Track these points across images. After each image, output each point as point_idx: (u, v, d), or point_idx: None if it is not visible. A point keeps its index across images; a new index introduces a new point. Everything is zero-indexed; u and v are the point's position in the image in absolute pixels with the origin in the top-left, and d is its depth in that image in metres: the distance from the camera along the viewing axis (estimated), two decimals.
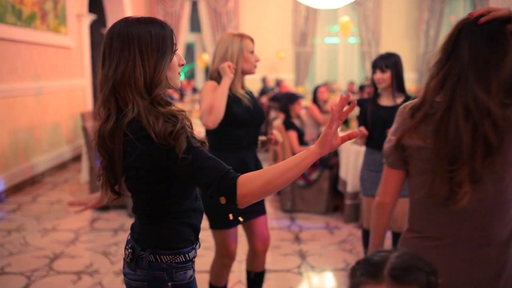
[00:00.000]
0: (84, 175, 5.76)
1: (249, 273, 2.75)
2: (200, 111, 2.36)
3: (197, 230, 1.56)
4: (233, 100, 2.42)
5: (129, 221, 4.56)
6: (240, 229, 2.65)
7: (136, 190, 1.48)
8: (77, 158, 7.34)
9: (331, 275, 3.54)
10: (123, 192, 1.50)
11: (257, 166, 2.55)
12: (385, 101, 3.05)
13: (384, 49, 11.58)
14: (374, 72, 3.00)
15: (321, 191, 4.77)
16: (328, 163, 4.86)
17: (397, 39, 11.90)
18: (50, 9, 6.58)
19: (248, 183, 1.30)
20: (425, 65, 11.88)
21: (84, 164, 5.74)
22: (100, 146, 1.41)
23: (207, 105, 2.29)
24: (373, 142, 3.08)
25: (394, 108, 3.03)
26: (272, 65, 11.43)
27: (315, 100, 6.22)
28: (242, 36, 2.46)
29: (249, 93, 2.58)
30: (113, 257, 3.74)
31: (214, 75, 2.46)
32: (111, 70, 1.37)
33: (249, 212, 2.53)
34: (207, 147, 1.47)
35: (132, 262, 1.49)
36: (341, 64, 12.14)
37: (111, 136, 1.36)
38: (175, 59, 1.44)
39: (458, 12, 11.96)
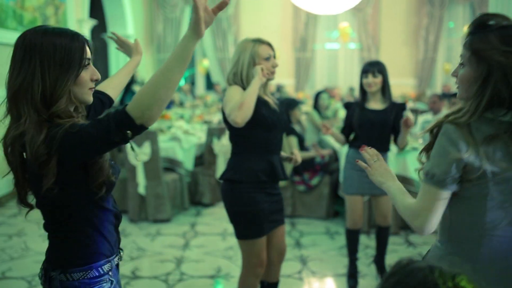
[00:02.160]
0: None
1: (262, 283, 2.67)
2: (226, 110, 2.30)
3: (111, 241, 1.48)
4: (262, 102, 2.39)
5: (130, 226, 4.56)
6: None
7: (39, 203, 1.41)
8: None
9: (332, 280, 3.54)
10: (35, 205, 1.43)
11: (283, 169, 2.49)
12: (373, 105, 3.19)
13: (384, 54, 11.63)
14: (365, 76, 3.12)
15: (321, 196, 4.78)
16: (329, 168, 4.86)
17: (396, 44, 11.94)
18: (51, 14, 6.61)
19: (136, 100, 1.23)
20: (425, 71, 11.92)
21: None
22: (6, 156, 1.36)
23: (236, 102, 2.23)
24: (359, 143, 3.12)
25: (382, 111, 3.15)
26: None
27: (315, 106, 6.23)
28: (256, 43, 2.41)
29: (273, 99, 2.57)
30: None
31: (233, 81, 2.42)
32: (11, 79, 1.33)
33: (274, 221, 2.48)
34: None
35: (46, 283, 1.43)
36: (341, 70, 12.17)
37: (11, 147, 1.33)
38: (84, 74, 1.36)
39: (458, 17, 12.00)
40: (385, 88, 3.15)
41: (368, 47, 11.85)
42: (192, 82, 13.00)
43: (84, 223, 1.41)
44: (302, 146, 4.94)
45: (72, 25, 7.32)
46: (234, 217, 2.44)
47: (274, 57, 2.45)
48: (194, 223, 4.74)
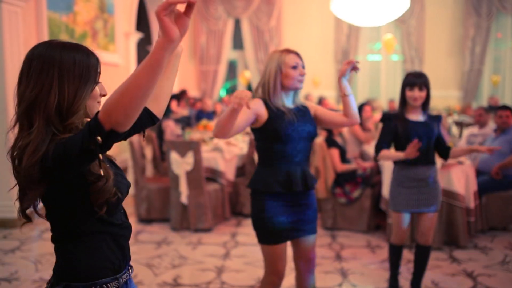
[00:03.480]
0: (130, 188, 5.90)
1: None
2: None
3: (118, 256, 1.45)
4: (276, 115, 2.42)
5: (172, 234, 4.65)
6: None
7: (47, 215, 1.39)
8: None
9: None
10: (40, 216, 1.41)
11: (306, 180, 2.49)
12: (414, 117, 3.12)
13: (427, 66, 11.42)
14: (411, 89, 3.04)
15: (363, 209, 4.73)
16: (371, 181, 4.82)
17: (441, 56, 11.72)
18: (100, 28, 6.86)
19: (105, 104, 1.19)
20: (470, 83, 11.63)
21: (130, 177, 5.89)
22: (12, 166, 1.34)
23: (222, 118, 2.23)
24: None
25: (424, 123, 3.10)
26: (315, 82, 11.44)
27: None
28: (283, 52, 2.45)
29: (301, 108, 2.53)
30: (156, 269, 3.82)
31: (261, 92, 2.49)
32: (27, 90, 1.32)
33: (299, 230, 2.52)
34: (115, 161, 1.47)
35: None
36: (383, 82, 12.04)
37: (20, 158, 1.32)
38: (97, 89, 1.40)
39: (506, 28, 11.67)
40: (427, 102, 3.09)
41: (411, 59, 11.68)
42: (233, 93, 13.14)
43: (88, 238, 1.40)
44: (344, 159, 4.92)
45: (120, 38, 7.57)
46: (253, 223, 2.53)
47: (303, 66, 2.47)
48: (235, 233, 4.78)
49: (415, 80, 3.02)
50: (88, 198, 1.34)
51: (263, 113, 2.41)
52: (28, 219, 1.39)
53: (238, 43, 12.34)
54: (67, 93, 1.32)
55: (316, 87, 11.43)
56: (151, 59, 1.12)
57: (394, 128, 3.11)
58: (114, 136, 1.20)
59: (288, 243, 2.57)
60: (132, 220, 5.10)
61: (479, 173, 4.90)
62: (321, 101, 9.98)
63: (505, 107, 5.16)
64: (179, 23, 1.13)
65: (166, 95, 1.65)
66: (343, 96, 2.51)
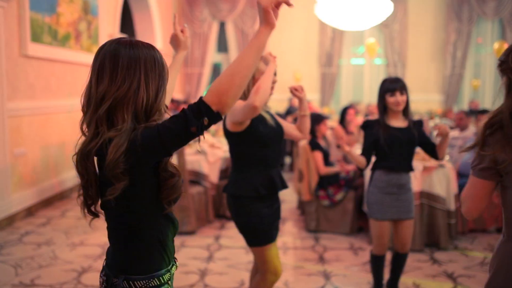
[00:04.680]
0: None
1: None
2: (237, 109, 2.36)
3: (171, 250, 1.50)
4: (258, 119, 2.48)
5: None
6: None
7: (107, 206, 1.43)
8: None
9: None
10: (100, 213, 1.46)
11: (283, 183, 2.61)
12: (395, 122, 3.08)
13: (410, 71, 11.56)
14: (392, 95, 3.00)
15: (345, 212, 4.77)
16: (354, 184, 4.86)
17: (423, 60, 11.86)
18: (84, 29, 6.81)
19: (212, 88, 1.30)
20: (452, 87, 11.79)
21: None
22: (81, 165, 1.37)
23: (255, 86, 2.28)
24: (388, 164, 3.06)
25: (407, 129, 3.06)
26: (296, 79, 11.49)
27: (341, 121, 6.24)
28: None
29: (270, 113, 2.65)
30: None
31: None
32: (113, 87, 1.34)
33: (276, 228, 2.63)
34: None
35: None
36: (366, 85, 12.14)
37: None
38: None
39: (486, 34, 11.87)
40: (407, 106, 3.07)
41: (394, 63, 11.80)
42: None
43: (149, 231, 1.43)
44: (327, 161, 4.96)
45: (104, 40, 7.52)
46: (241, 228, 2.57)
47: (275, 73, 2.49)
48: (218, 236, 4.78)
49: (395, 85, 3.00)
50: (159, 194, 1.40)
51: None
52: (95, 215, 1.45)
53: (222, 46, 12.34)
54: (151, 91, 1.37)
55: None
56: (258, 42, 1.34)
57: (376, 135, 3.06)
58: (218, 119, 1.29)
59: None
60: None
61: (459, 175, 4.98)
62: None
63: (484, 111, 5.25)
64: (275, 14, 1.37)
65: (169, 94, 1.75)
66: (303, 116, 2.67)
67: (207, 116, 1.27)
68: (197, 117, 1.26)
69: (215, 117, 1.28)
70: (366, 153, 3.12)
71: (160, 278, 1.44)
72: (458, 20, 11.61)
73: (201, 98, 1.29)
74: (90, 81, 1.38)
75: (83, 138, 1.40)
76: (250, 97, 2.26)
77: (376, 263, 3.27)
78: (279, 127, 2.62)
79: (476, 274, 3.81)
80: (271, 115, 2.63)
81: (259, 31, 1.35)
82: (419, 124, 3.17)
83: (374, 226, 3.18)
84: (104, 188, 1.37)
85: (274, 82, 2.47)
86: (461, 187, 4.72)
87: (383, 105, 3.06)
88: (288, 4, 1.36)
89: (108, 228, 1.49)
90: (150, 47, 1.40)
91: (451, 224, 4.47)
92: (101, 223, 4.57)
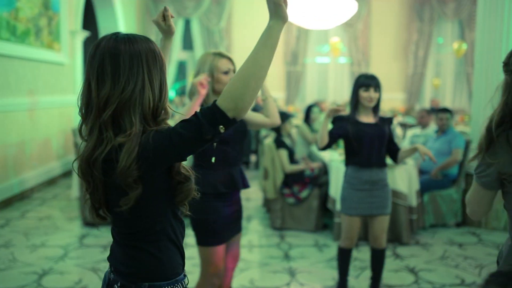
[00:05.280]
0: (75, 190, 5.76)
1: None
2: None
3: (183, 254, 1.46)
4: None
5: None
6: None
7: (119, 212, 1.34)
8: (67, 174, 7.34)
9: None
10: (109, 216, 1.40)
11: (244, 182, 2.57)
12: (365, 119, 3.10)
13: (374, 69, 11.75)
14: (366, 90, 3.03)
15: (310, 209, 4.81)
16: (318, 181, 4.91)
17: (386, 59, 12.08)
18: (44, 25, 6.64)
19: (227, 93, 1.21)
20: (414, 85, 12.05)
21: (75, 179, 5.74)
22: (87, 172, 1.30)
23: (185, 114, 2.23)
24: (359, 159, 3.09)
25: (376, 125, 3.08)
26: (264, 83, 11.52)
27: (306, 119, 6.29)
28: (216, 56, 2.44)
29: None
30: (102, 273, 3.74)
31: (193, 94, 2.45)
32: (117, 90, 1.26)
33: (233, 229, 2.60)
34: None
35: None
36: (331, 84, 12.28)
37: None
38: None
39: (446, 33, 12.18)
40: (378, 104, 3.11)
41: (358, 62, 11.98)
42: (183, 94, 13.04)
43: (165, 235, 1.38)
44: (292, 159, 4.99)
45: (65, 36, 7.36)
46: (195, 225, 2.50)
47: (234, 71, 2.46)
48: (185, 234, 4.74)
49: (370, 82, 3.03)
50: (173, 198, 1.36)
51: None
52: (104, 219, 1.39)
53: (187, 44, 12.25)
54: (156, 88, 1.30)
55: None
56: (272, 39, 1.24)
57: (345, 129, 3.07)
58: (234, 125, 1.23)
59: None
60: (76, 223, 4.98)
61: (421, 172, 5.09)
62: None
63: (445, 110, 5.38)
64: (285, 5, 1.27)
65: None
66: (264, 100, 2.63)
67: (222, 123, 1.21)
68: (212, 125, 1.20)
69: (231, 123, 1.22)
70: (330, 136, 3.09)
71: (182, 283, 1.41)
72: (420, 20, 11.87)
73: (215, 103, 1.22)
74: (89, 85, 1.29)
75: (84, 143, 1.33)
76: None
77: (342, 256, 3.28)
78: (240, 124, 2.56)
79: (436, 268, 3.91)
80: None
81: (270, 26, 1.25)
82: (389, 121, 3.18)
83: (344, 220, 3.20)
84: (112, 194, 1.32)
85: None
86: (422, 183, 4.84)
87: (355, 100, 3.09)
88: None
89: (118, 233, 1.41)
90: (148, 40, 1.33)
91: (413, 220, 4.57)
92: (63, 223, 4.46)
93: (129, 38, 1.30)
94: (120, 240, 1.41)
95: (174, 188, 1.35)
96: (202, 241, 2.50)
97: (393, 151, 3.17)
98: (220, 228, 2.47)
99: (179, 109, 11.07)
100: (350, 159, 3.15)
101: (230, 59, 2.48)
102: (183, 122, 1.23)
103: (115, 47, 1.27)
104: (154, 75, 1.30)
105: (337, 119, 3.16)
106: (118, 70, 1.26)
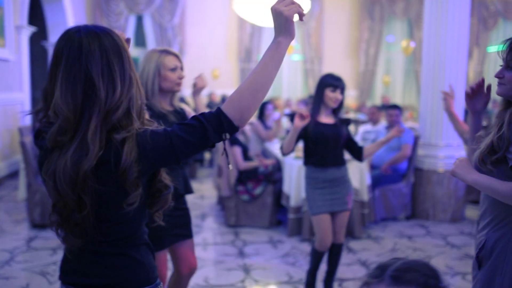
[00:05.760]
0: (22, 192, 5.55)
1: None
2: None
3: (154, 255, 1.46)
4: (158, 116, 2.27)
5: None
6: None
7: (103, 221, 1.29)
8: (13, 175, 7.07)
9: None
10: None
11: (187, 187, 2.47)
12: (325, 119, 3.12)
13: (326, 66, 11.92)
14: (333, 90, 3.03)
15: (264, 206, 4.83)
16: (272, 178, 4.93)
17: (338, 57, 12.29)
18: None
19: (235, 102, 1.23)
20: (365, 83, 12.32)
21: (22, 180, 5.53)
22: (74, 187, 1.21)
23: None
24: (314, 159, 3.11)
25: (334, 125, 3.09)
26: (218, 81, 11.49)
27: (260, 116, 6.30)
28: (162, 53, 2.36)
29: (180, 110, 2.50)
30: (51, 277, 3.63)
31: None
32: (125, 89, 1.24)
33: (175, 235, 2.44)
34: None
35: None
36: (285, 81, 12.37)
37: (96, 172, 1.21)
38: None
39: (396, 32, 12.50)
40: (341, 105, 3.12)
41: (311, 59, 12.12)
42: None
43: (143, 241, 1.37)
44: (246, 156, 4.99)
45: (10, 32, 7.07)
46: None
47: (182, 69, 2.42)
48: None
49: (338, 83, 3.04)
50: (151, 206, 1.35)
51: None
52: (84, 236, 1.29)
53: (140, 40, 12.04)
54: (140, 84, 1.31)
55: (219, 86, 11.47)
56: (279, 54, 1.26)
57: (305, 130, 3.06)
58: (236, 132, 1.26)
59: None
60: (24, 226, 4.81)
61: (372, 167, 5.21)
62: (225, 99, 10.04)
63: (394, 106, 5.52)
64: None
65: None
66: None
67: (228, 131, 1.22)
68: (218, 132, 1.22)
69: (235, 131, 1.25)
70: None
71: (161, 285, 1.40)
72: (371, 19, 12.14)
73: (221, 111, 1.22)
74: (91, 86, 1.20)
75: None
76: None
77: (317, 258, 3.23)
78: None
79: None
80: (183, 112, 2.50)
81: (279, 42, 1.26)
82: (347, 122, 3.20)
83: (314, 222, 3.19)
84: (104, 203, 1.25)
85: (181, 77, 2.40)
86: (373, 178, 4.95)
87: (319, 99, 3.09)
88: (301, 16, 1.30)
89: (102, 242, 1.31)
90: (112, 32, 1.30)
91: (365, 214, 4.67)
92: (10, 226, 4.31)
93: (109, 31, 1.28)
94: (101, 250, 1.32)
95: (153, 196, 1.34)
96: None
97: (355, 150, 3.18)
98: (157, 233, 2.24)
99: None
100: (307, 159, 3.17)
101: (177, 56, 2.42)
102: (184, 126, 1.23)
103: (114, 45, 1.25)
104: (135, 70, 1.30)
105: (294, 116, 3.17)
106: (123, 67, 1.24)
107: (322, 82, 3.09)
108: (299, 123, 2.89)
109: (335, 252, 3.28)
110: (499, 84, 1.67)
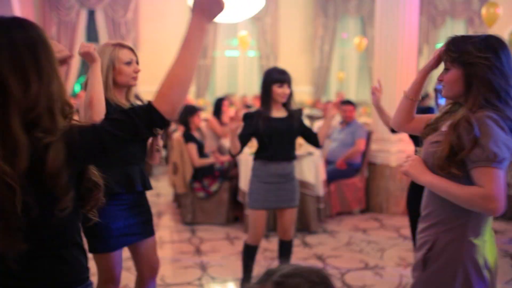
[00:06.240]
0: None
1: None
2: (81, 116, 2.13)
3: (87, 256, 1.42)
4: (114, 110, 2.21)
5: None
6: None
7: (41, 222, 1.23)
8: None
9: (232, 285, 3.58)
10: None
11: (144, 181, 2.39)
12: (276, 113, 3.11)
13: (282, 63, 11.97)
14: (280, 86, 3.03)
15: (221, 203, 4.82)
16: (228, 174, 4.92)
17: (294, 53, 12.37)
18: None
19: (164, 96, 1.21)
20: (320, 79, 12.47)
21: None
22: (6, 191, 1.13)
23: (85, 100, 2.05)
24: (267, 154, 3.10)
25: (286, 119, 3.11)
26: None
27: (216, 112, 6.27)
28: (116, 46, 2.28)
29: (134, 105, 2.42)
30: None
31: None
32: (44, 85, 1.17)
33: (136, 234, 2.37)
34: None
35: None
36: (240, 77, 12.36)
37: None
38: None
39: (349, 29, 12.71)
40: (290, 98, 3.12)
41: (266, 56, 12.16)
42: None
43: (76, 240, 1.34)
44: (202, 153, 4.96)
45: None
46: (85, 230, 2.24)
47: (137, 62, 2.36)
48: None
49: (284, 77, 3.03)
50: (83, 205, 1.32)
51: None
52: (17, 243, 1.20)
53: (92, 36, 11.73)
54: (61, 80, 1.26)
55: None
56: (200, 38, 1.25)
57: (255, 126, 3.05)
58: (167, 126, 1.24)
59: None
60: None
61: (327, 162, 5.28)
62: None
63: (348, 102, 5.62)
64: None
65: None
66: None
67: (159, 125, 1.20)
68: (149, 127, 1.19)
69: (167, 125, 1.23)
70: (241, 140, 3.04)
71: (91, 286, 1.38)
72: (325, 15, 12.29)
73: (152, 106, 1.19)
74: (6, 82, 1.13)
75: None
76: (87, 113, 2.02)
77: (248, 252, 3.26)
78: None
79: (342, 254, 4.08)
80: None
81: (195, 26, 1.25)
82: (298, 113, 3.20)
83: (250, 215, 3.20)
84: (33, 206, 1.17)
85: (137, 71, 2.33)
86: (328, 173, 5.02)
87: (267, 95, 3.07)
88: None
89: (23, 245, 1.22)
90: (29, 24, 1.23)
91: (320, 209, 4.73)
92: None
93: (30, 22, 1.22)
94: (30, 251, 1.24)
95: (83, 195, 1.30)
96: (94, 248, 2.29)
97: (312, 137, 3.18)
98: (113, 232, 2.26)
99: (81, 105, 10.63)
100: (259, 153, 3.16)
101: (131, 49, 2.35)
102: (114, 121, 1.20)
103: (28, 36, 1.18)
104: (57, 65, 1.24)
105: (246, 117, 3.13)
106: (39, 62, 1.17)
107: (268, 78, 3.08)
108: (233, 126, 2.88)
109: (285, 249, 3.30)
110: (442, 86, 1.71)
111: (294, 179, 3.21)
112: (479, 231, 1.63)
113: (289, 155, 3.15)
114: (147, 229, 2.43)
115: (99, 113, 2.03)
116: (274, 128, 3.05)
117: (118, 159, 2.26)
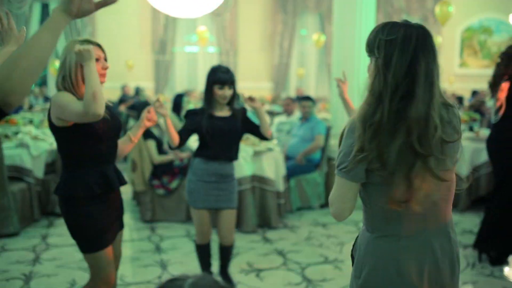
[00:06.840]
0: None
1: None
2: (72, 114, 2.10)
3: None
4: None
5: None
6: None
7: None
8: None
9: None
10: None
11: (119, 177, 2.40)
12: (220, 112, 3.05)
13: (242, 59, 11.99)
14: (221, 88, 2.96)
15: (181, 200, 4.77)
16: (187, 171, 4.88)
17: (254, 49, 12.39)
18: None
19: (5, 85, 1.09)
20: (280, 75, 12.54)
21: None
22: None
23: (86, 96, 2.04)
24: (208, 152, 3.03)
25: (230, 118, 3.04)
26: (131, 73, 11.15)
27: (175, 108, 6.20)
28: (83, 43, 2.23)
29: (107, 103, 2.36)
30: None
31: (62, 85, 2.22)
32: None
33: (116, 228, 2.43)
34: None
35: None
36: (200, 73, 12.28)
37: None
38: None
39: (308, 26, 12.82)
40: (234, 97, 3.06)
41: (226, 51, 12.13)
42: (44, 84, 12.14)
43: None
44: (161, 150, 4.90)
45: None
46: (74, 232, 2.32)
47: (106, 59, 2.33)
48: (46, 235, 4.43)
49: (225, 79, 2.96)
50: None
51: None
52: None
53: None
54: None
55: (133, 78, 11.15)
56: (60, 27, 1.21)
57: (198, 123, 2.99)
58: (2, 118, 1.11)
59: None
60: None
61: (287, 158, 5.32)
62: (138, 92, 9.79)
63: (307, 98, 5.66)
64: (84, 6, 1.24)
65: None
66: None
67: None
68: None
69: (2, 117, 1.12)
70: (180, 134, 2.97)
71: None
72: (284, 12, 12.35)
73: None
74: None
75: None
76: (91, 107, 2.02)
77: (200, 252, 3.23)
78: (115, 120, 2.39)
79: (303, 249, 4.12)
80: (108, 107, 2.37)
81: (54, 18, 1.22)
82: (243, 111, 3.15)
83: (194, 215, 3.14)
84: None
85: (106, 68, 2.30)
86: (288, 169, 5.06)
87: (210, 94, 3.02)
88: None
89: None
90: None
91: (280, 204, 4.76)
92: None
93: None
94: None
95: None
96: (87, 248, 2.30)
97: (259, 132, 3.12)
98: (100, 231, 2.29)
99: (39, 100, 10.21)
100: (200, 152, 3.09)
101: (99, 46, 2.31)
102: None
103: None
104: None
105: (190, 113, 3.09)
106: None
107: (209, 78, 3.03)
108: (148, 124, 2.68)
109: (222, 253, 3.26)
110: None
111: (234, 180, 3.16)
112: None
113: (230, 155, 3.10)
114: (121, 222, 2.52)
115: (102, 106, 2.08)
116: (217, 127, 3.00)
117: (94, 160, 2.28)
